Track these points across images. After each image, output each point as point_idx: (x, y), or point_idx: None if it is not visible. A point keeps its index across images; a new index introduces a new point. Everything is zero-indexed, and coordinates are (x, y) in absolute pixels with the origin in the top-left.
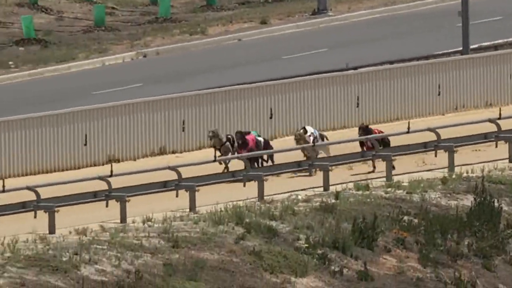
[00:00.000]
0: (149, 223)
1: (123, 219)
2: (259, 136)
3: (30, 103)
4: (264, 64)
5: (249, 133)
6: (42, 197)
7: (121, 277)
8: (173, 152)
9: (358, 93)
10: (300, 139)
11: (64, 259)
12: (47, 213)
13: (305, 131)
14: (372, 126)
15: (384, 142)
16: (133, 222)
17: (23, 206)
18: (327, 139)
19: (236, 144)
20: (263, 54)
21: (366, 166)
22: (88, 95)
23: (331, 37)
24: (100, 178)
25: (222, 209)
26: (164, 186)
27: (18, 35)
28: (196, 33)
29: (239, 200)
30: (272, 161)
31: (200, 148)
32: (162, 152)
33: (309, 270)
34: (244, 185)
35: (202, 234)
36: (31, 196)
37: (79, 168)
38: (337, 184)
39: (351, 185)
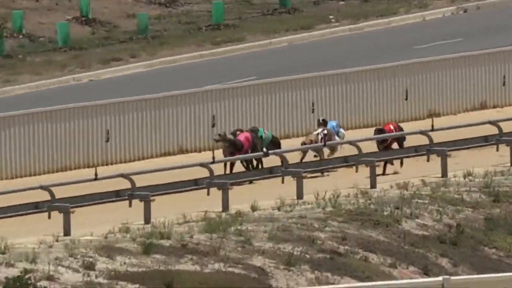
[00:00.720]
0: (470, 177)
1: (443, 174)
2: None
3: (350, 57)
4: None
5: (242, 131)
6: (363, 151)
7: (442, 231)
8: (494, 107)
9: None
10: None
11: (385, 213)
12: (368, 167)
13: (325, 123)
14: None
15: (399, 141)
16: (454, 176)
17: (345, 161)
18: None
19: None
20: None
21: None
22: (409, 49)
23: None
24: (422, 132)
25: None
26: (485, 140)
27: None
28: None
29: None
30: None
31: None
32: (483, 106)
33: None
34: None
35: None
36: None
37: (401, 122)
38: None
39: None
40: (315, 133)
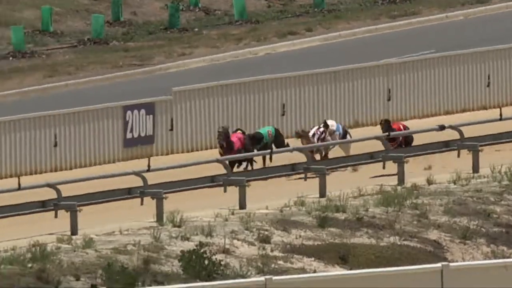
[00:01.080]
0: None
1: None
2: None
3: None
4: None
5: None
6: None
7: None
8: None
9: None
10: (302, 136)
11: None
12: None
13: (326, 125)
14: None
15: (406, 141)
16: None
17: None
18: (350, 136)
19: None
20: None
21: None
22: None
23: None
24: None
25: None
26: None
27: None
28: None
29: None
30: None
31: None
32: None
33: None
34: None
35: None
36: None
37: None
38: None
39: None
40: (310, 134)
